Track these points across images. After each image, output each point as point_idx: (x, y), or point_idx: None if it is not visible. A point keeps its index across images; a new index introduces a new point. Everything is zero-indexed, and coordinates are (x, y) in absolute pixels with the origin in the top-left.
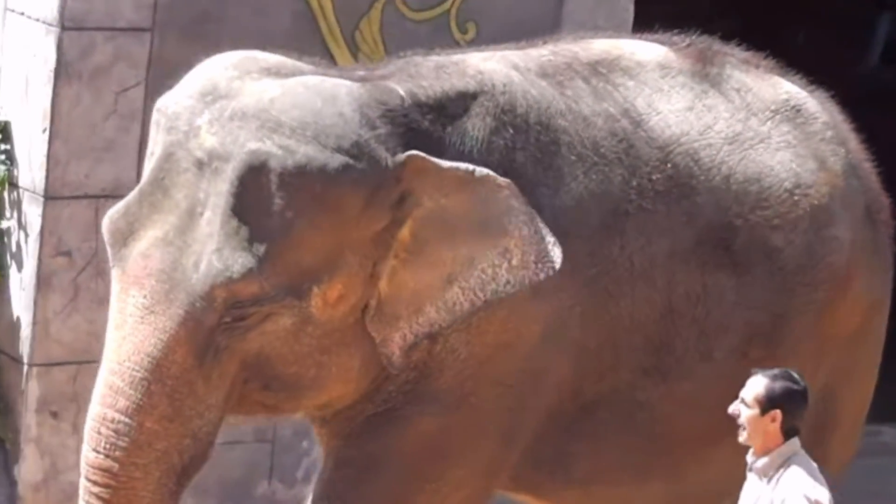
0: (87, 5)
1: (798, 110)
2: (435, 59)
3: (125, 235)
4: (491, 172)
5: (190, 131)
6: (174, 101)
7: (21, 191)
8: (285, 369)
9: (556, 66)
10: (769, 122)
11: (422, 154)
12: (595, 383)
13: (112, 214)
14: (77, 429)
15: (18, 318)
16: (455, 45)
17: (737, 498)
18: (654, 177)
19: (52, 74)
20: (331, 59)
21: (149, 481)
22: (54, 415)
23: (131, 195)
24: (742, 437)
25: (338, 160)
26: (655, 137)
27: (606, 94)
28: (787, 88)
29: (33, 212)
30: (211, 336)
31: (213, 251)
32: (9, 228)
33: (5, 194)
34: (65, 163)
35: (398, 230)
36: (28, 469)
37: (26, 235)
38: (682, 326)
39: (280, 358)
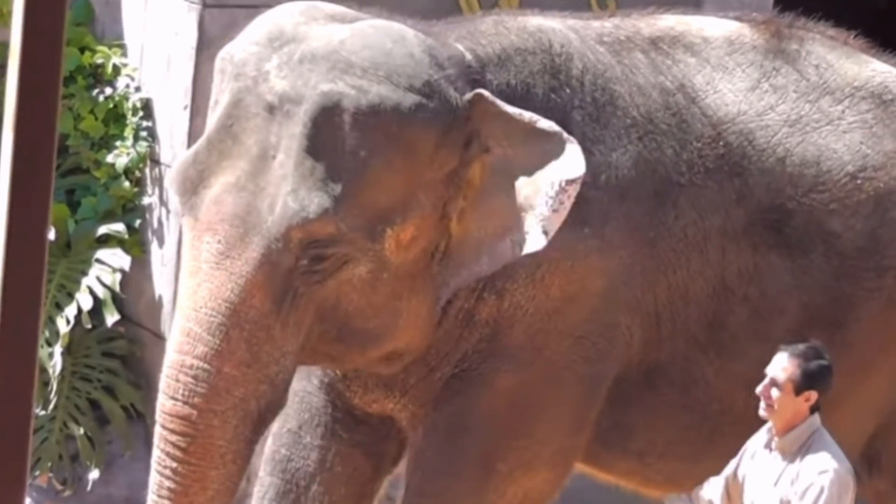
0: None
1: (885, 87)
2: (492, 17)
3: (195, 184)
4: (558, 128)
5: (259, 76)
6: (240, 49)
7: (163, 167)
8: (363, 323)
9: (615, 37)
10: (846, 101)
11: (489, 96)
12: (655, 350)
13: (181, 164)
14: None
15: (160, 295)
16: None
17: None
18: (704, 153)
19: (193, 52)
20: None
21: (226, 429)
22: None
23: (199, 143)
24: (765, 413)
25: (410, 99)
26: (710, 115)
27: (665, 68)
28: (875, 66)
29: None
30: (288, 279)
31: (288, 192)
32: (150, 204)
33: (147, 171)
34: None
35: (466, 172)
36: None
37: (168, 212)
38: (734, 304)
39: (358, 311)
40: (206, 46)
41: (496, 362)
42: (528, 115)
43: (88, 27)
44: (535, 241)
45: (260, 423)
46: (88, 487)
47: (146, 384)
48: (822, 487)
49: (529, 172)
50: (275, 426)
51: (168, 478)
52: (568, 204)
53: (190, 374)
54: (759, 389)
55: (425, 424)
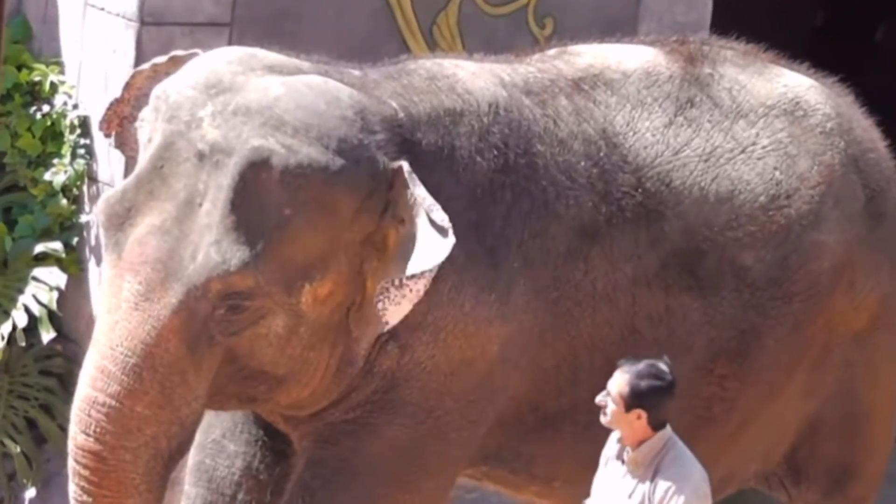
0: (167, 0)
1: (796, 103)
2: (426, 68)
3: (121, 220)
4: (447, 223)
5: (192, 122)
6: (176, 91)
7: (100, 185)
8: (274, 370)
9: (540, 82)
10: (760, 122)
11: (408, 171)
12: (554, 399)
13: (108, 198)
14: None
15: (96, 313)
16: (533, 40)
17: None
18: (624, 203)
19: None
20: (409, 55)
21: (138, 464)
22: None
23: (128, 180)
24: (604, 421)
25: (338, 163)
26: (630, 161)
27: (587, 112)
28: (786, 81)
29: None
30: (204, 326)
31: (212, 243)
32: (88, 222)
33: (85, 188)
34: None
35: (381, 236)
36: None
37: None
38: (643, 347)
39: (271, 362)
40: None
41: (388, 414)
42: (429, 202)
43: (26, 45)
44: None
45: (171, 461)
46: None
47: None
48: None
49: (419, 252)
50: (198, 437)
51: None
52: (412, 297)
53: (102, 411)
54: (598, 399)
55: (310, 458)
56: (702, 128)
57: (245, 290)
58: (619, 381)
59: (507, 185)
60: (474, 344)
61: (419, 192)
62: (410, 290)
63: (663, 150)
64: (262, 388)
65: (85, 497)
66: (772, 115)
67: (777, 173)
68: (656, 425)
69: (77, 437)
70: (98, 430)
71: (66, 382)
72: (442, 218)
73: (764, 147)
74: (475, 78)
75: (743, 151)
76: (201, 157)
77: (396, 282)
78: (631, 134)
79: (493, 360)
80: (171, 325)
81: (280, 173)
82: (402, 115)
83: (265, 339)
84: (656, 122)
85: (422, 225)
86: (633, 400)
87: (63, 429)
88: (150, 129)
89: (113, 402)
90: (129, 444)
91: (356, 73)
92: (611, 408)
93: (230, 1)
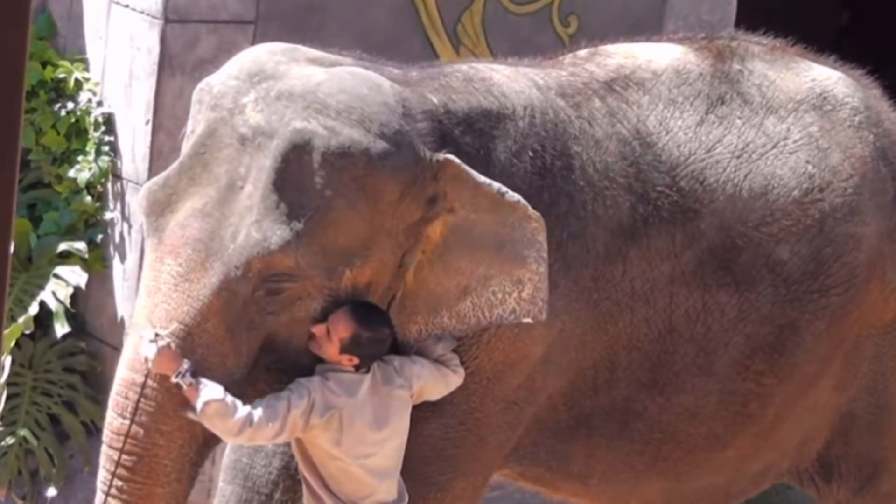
0: None
1: (825, 97)
2: (462, 70)
3: (163, 207)
4: (523, 202)
5: (235, 109)
6: (219, 82)
7: (124, 182)
8: (312, 361)
9: (574, 85)
10: (790, 118)
11: (458, 161)
12: (590, 398)
13: (150, 186)
14: None
15: (121, 310)
16: (557, 38)
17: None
18: (660, 202)
19: (155, 67)
20: (432, 52)
21: (171, 449)
22: None
23: (171, 169)
24: (312, 348)
25: (380, 146)
26: (664, 160)
27: (620, 113)
28: (814, 75)
29: (136, 203)
30: (244, 308)
31: (253, 223)
32: (112, 219)
33: (109, 185)
34: (167, 154)
35: (428, 227)
36: None
37: (129, 227)
38: (680, 344)
39: (306, 348)
40: (168, 62)
41: (427, 412)
42: (496, 186)
43: (50, 42)
44: (519, 311)
45: (205, 446)
46: (47, 502)
47: (106, 400)
48: None
49: (494, 241)
50: None
51: (115, 497)
52: (534, 286)
53: (138, 392)
54: (312, 328)
55: None
56: (733, 125)
57: (285, 271)
58: (342, 325)
59: (544, 187)
60: (518, 347)
61: (478, 177)
62: (539, 272)
63: (696, 148)
64: (300, 376)
65: (116, 482)
66: (801, 109)
67: (809, 167)
68: (364, 360)
69: (113, 421)
70: (133, 411)
71: (89, 379)
72: (516, 197)
73: (795, 141)
74: (510, 81)
75: (775, 147)
76: (243, 140)
77: (529, 259)
78: (664, 133)
79: (536, 362)
80: (212, 306)
81: (321, 155)
82: (442, 110)
83: (303, 324)
84: (688, 120)
85: (497, 206)
86: (352, 347)
87: (85, 426)
88: (192, 122)
89: (150, 383)
90: (164, 428)
91: (396, 69)
92: (324, 342)
93: None
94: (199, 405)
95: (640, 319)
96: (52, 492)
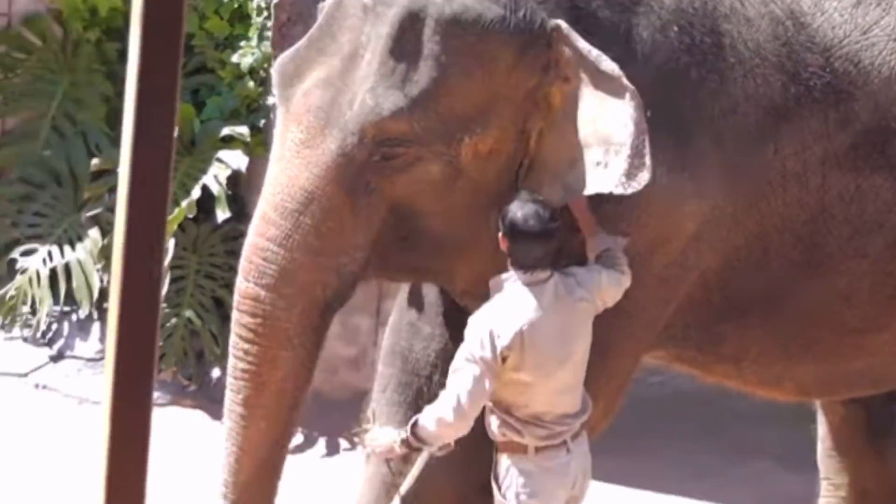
0: None
1: None
2: None
3: (292, 78)
4: (619, 71)
5: None
6: None
7: None
8: (434, 223)
9: None
10: None
11: (568, 28)
12: (743, 278)
13: (282, 58)
14: None
15: None
16: None
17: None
18: (812, 83)
19: None
20: None
21: (292, 313)
22: None
23: (301, 42)
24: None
25: (494, 12)
26: (818, 41)
27: None
28: None
29: None
30: (361, 172)
31: (368, 89)
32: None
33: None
34: None
35: (546, 94)
36: None
37: None
38: (833, 226)
39: (430, 209)
40: None
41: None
42: (595, 53)
43: None
44: (626, 181)
45: (326, 312)
46: (213, 383)
47: None
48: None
49: (594, 112)
50: (393, 318)
51: (241, 359)
52: (623, 159)
53: (261, 255)
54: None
55: None
56: (891, 7)
57: (399, 136)
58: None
59: (693, 63)
60: (669, 223)
61: (582, 45)
62: (639, 146)
63: (851, 29)
64: (431, 254)
65: (242, 345)
66: None
67: None
68: (521, 264)
69: (240, 284)
70: (256, 274)
71: None
72: (612, 67)
73: None
74: None
75: None
76: (366, 10)
77: (627, 133)
78: (818, 14)
79: (689, 238)
80: (329, 171)
81: (435, 21)
82: None
83: (422, 183)
84: (844, 2)
85: (588, 77)
86: (503, 223)
87: None
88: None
89: (272, 247)
90: (285, 291)
91: None
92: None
93: None
94: (432, 447)
95: (793, 200)
96: (216, 373)
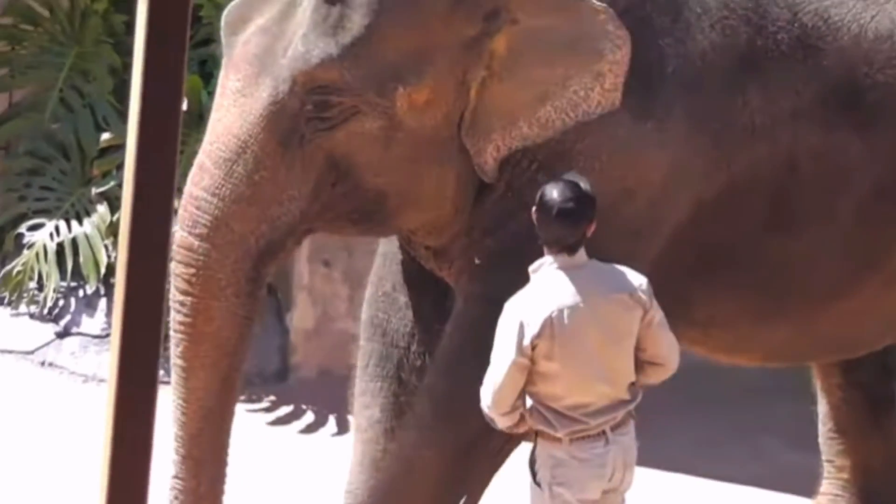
0: None
1: None
2: None
3: (237, 26)
4: None
5: None
6: None
7: None
8: (374, 178)
9: None
10: None
11: None
12: (711, 234)
13: (230, 6)
14: (348, 277)
15: None
16: None
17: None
18: (779, 36)
19: None
20: None
21: (224, 263)
22: (326, 263)
23: None
24: None
25: None
26: None
27: None
28: None
29: None
30: (294, 122)
31: (300, 36)
32: None
33: None
34: None
35: (490, 42)
36: (300, 317)
37: None
38: (802, 183)
39: (368, 164)
40: None
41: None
42: None
43: None
44: (605, 103)
45: (259, 262)
46: None
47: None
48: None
49: (566, 41)
50: (369, 292)
51: (177, 311)
52: (614, 74)
53: (195, 204)
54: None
55: (468, 293)
56: None
57: (329, 84)
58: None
59: (658, 11)
60: (633, 173)
61: None
62: (619, 61)
63: None
64: (372, 206)
65: (178, 296)
66: None
67: None
68: (545, 240)
69: (177, 234)
70: (190, 223)
71: None
72: None
73: None
74: None
75: None
76: None
77: (604, 54)
78: None
79: (655, 188)
80: (262, 120)
81: None
82: None
83: (361, 137)
84: None
85: (561, 6)
86: (536, 199)
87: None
88: None
89: (205, 196)
90: (218, 240)
91: None
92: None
93: None
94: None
95: (762, 156)
96: None
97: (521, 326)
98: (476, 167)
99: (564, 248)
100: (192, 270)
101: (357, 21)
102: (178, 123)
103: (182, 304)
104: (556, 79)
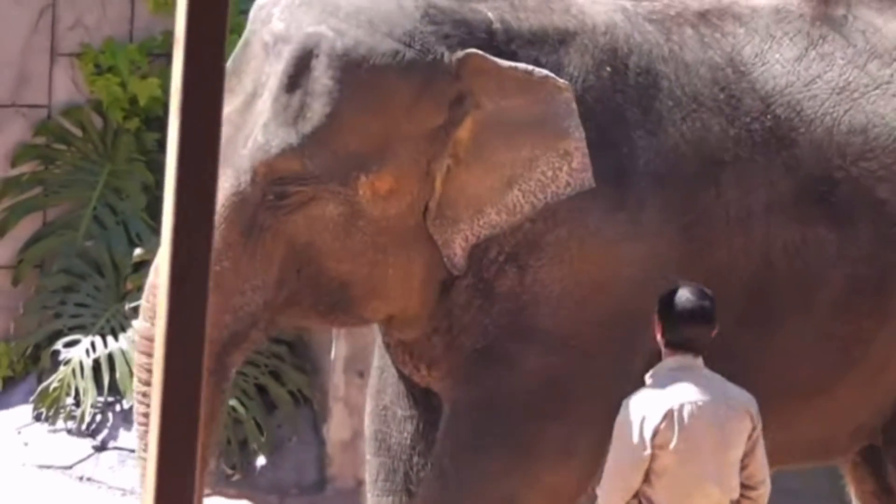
0: None
1: None
2: None
3: None
4: (550, 74)
5: (266, 19)
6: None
7: None
8: (337, 265)
9: (665, 13)
10: (894, 64)
11: (481, 53)
12: None
13: None
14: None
15: None
16: None
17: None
18: (753, 127)
19: None
20: None
21: None
22: (361, 374)
23: None
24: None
25: (387, 46)
26: (759, 88)
27: (714, 42)
28: None
29: None
30: (256, 212)
31: (260, 127)
32: None
33: None
34: None
35: (455, 130)
36: (336, 428)
37: None
38: (778, 278)
39: (331, 251)
40: None
41: (522, 343)
42: (521, 66)
43: None
44: (574, 182)
45: (223, 353)
46: (257, 472)
47: (312, 369)
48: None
49: (531, 121)
50: (369, 406)
51: (140, 402)
52: (581, 153)
53: (156, 294)
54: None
55: (451, 401)
56: (835, 63)
57: (291, 174)
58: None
59: (628, 102)
60: (605, 266)
61: (503, 63)
62: (578, 147)
63: (794, 80)
64: (337, 296)
65: (140, 387)
66: None
67: None
68: (673, 344)
69: (138, 325)
70: (151, 314)
71: (296, 349)
72: (538, 70)
73: None
74: (592, 3)
75: (878, 88)
76: (266, 48)
77: (567, 136)
78: (759, 64)
79: (629, 284)
80: (224, 210)
81: (328, 57)
82: (497, 25)
83: (321, 222)
84: (787, 54)
85: (524, 86)
86: (658, 306)
87: (293, 395)
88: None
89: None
90: None
91: None
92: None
93: None
94: None
95: (738, 249)
96: (261, 461)
97: (642, 420)
98: (445, 259)
99: (691, 349)
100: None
101: (318, 110)
102: (211, 237)
103: (145, 395)
104: (522, 161)
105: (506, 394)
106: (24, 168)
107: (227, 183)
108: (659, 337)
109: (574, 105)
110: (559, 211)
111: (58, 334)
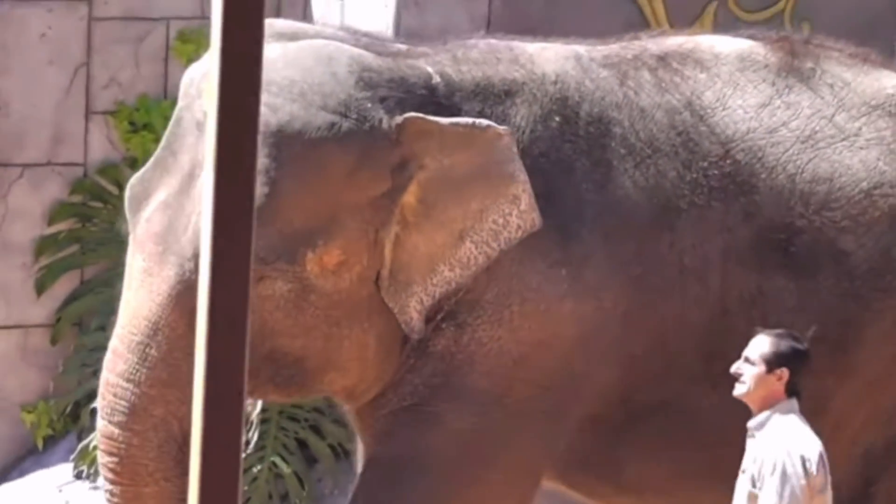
0: (422, 20)
1: None
2: (491, 43)
3: (140, 201)
4: (490, 122)
5: (196, 94)
6: (192, 69)
7: None
8: (291, 341)
9: (621, 57)
10: (863, 119)
11: (420, 115)
12: (643, 392)
13: (132, 182)
14: None
15: None
16: None
17: None
18: (710, 172)
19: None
20: None
21: (148, 448)
22: None
23: (148, 163)
24: (739, 391)
25: (322, 118)
26: (718, 133)
27: (672, 86)
28: (894, 83)
29: None
30: None
31: (200, 211)
32: None
33: None
34: None
35: (401, 195)
36: None
37: None
38: (735, 331)
39: (283, 329)
40: None
41: (451, 402)
42: (462, 121)
43: None
44: (525, 224)
45: (186, 445)
46: None
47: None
48: (776, 465)
49: (477, 172)
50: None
51: (109, 500)
52: (528, 194)
53: (111, 391)
54: (733, 368)
55: (371, 455)
56: (801, 112)
57: None
58: (762, 343)
59: (578, 153)
60: (545, 325)
61: (442, 121)
62: (524, 189)
63: (756, 126)
64: (293, 370)
65: (107, 486)
66: (875, 114)
67: (881, 164)
68: (791, 390)
69: (99, 423)
70: (109, 411)
71: (335, 403)
72: (478, 121)
73: (868, 140)
74: (543, 51)
75: (845, 139)
76: (199, 126)
77: (510, 180)
78: (720, 109)
79: (571, 342)
80: (171, 299)
81: (262, 134)
82: (437, 79)
83: (272, 301)
84: (750, 101)
85: (466, 139)
86: (777, 359)
87: (333, 448)
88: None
89: (121, 382)
90: (137, 427)
91: (399, 45)
92: (750, 372)
93: (485, 18)
94: None
95: (692, 300)
96: None
97: (804, 461)
98: (402, 325)
99: (796, 392)
100: (116, 459)
101: (258, 189)
102: (247, 291)
103: (112, 493)
104: (472, 213)
105: (425, 452)
106: (61, 226)
107: (172, 271)
108: (776, 381)
109: (514, 148)
110: (500, 268)
111: (96, 392)
